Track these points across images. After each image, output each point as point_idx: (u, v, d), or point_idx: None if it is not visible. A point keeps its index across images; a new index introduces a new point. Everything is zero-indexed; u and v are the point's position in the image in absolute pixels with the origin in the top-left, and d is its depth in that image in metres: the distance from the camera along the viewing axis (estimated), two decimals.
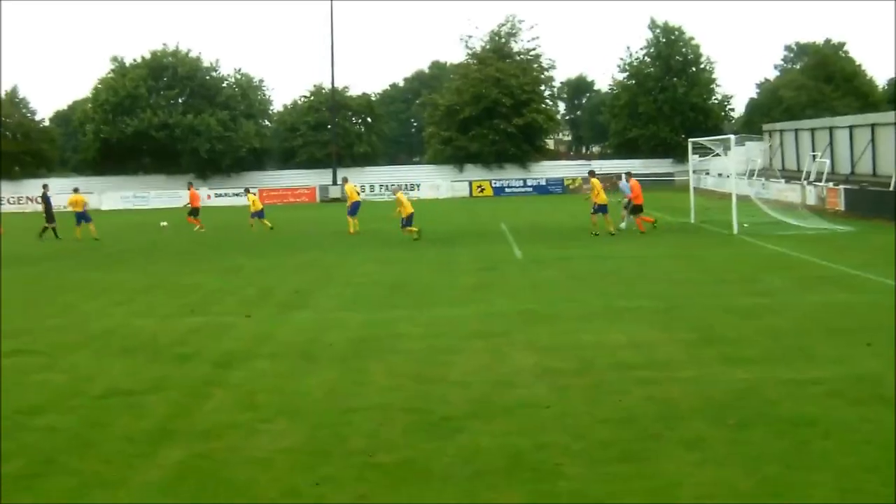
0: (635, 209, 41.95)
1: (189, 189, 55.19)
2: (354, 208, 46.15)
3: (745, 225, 39.66)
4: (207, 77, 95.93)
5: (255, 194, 53.76)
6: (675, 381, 14.30)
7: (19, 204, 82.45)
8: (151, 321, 21.48)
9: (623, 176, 45.30)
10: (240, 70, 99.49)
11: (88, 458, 11.25)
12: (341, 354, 17.11)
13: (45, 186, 51.35)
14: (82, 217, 47.18)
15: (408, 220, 40.82)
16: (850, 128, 63.38)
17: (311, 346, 17.96)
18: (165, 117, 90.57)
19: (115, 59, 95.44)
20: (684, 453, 10.79)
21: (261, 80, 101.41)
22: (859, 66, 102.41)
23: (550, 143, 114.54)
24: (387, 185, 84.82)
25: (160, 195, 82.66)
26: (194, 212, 51.80)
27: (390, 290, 25.53)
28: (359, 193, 48.82)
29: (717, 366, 15.21)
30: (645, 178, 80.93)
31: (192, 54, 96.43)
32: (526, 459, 10.77)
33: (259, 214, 50.62)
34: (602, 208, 40.36)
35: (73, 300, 25.29)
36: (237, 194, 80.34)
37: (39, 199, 50.42)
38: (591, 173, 44.01)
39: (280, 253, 36.74)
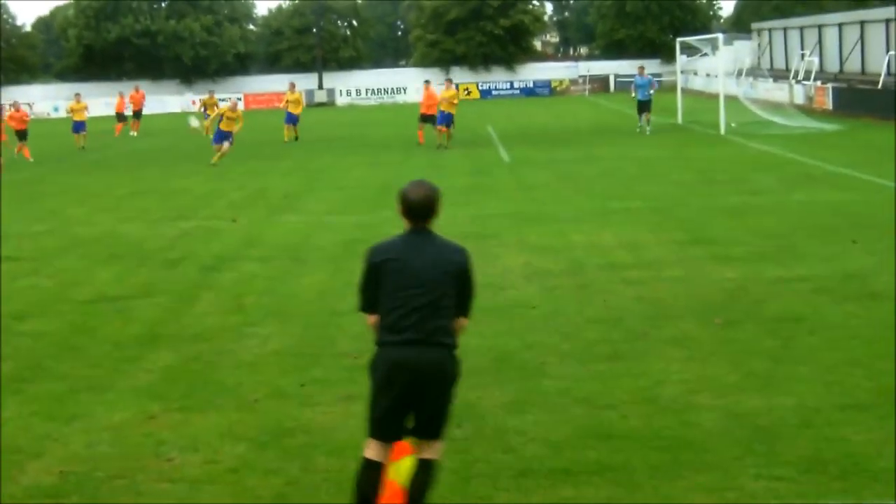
0: (424, 118, 39.35)
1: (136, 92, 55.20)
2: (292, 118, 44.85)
3: (733, 125, 39.51)
4: None
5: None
6: (663, 280, 14.33)
7: None
8: (139, 226, 21.43)
9: (638, 70, 43.59)
10: None
11: (76, 363, 11.26)
12: (331, 257, 17.10)
13: None
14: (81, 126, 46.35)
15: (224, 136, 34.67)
16: (840, 25, 62.89)
17: (301, 249, 17.95)
18: (148, 23, 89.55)
19: None
20: (671, 351, 10.84)
21: None
22: None
23: (537, 45, 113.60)
24: (373, 90, 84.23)
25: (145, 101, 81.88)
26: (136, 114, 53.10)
27: (380, 192, 25.43)
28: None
29: (706, 265, 15.24)
30: (632, 80, 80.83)
31: None
32: (513, 359, 10.81)
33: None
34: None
35: (60, 205, 25.20)
36: (222, 100, 79.66)
37: None
38: (449, 81, 42.11)
39: (269, 157, 36.54)
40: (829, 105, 49.02)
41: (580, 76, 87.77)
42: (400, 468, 6.43)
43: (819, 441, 8.19)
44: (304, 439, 8.71)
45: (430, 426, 6.55)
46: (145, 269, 16.65)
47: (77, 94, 49.94)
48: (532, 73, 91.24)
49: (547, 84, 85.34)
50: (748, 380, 9.79)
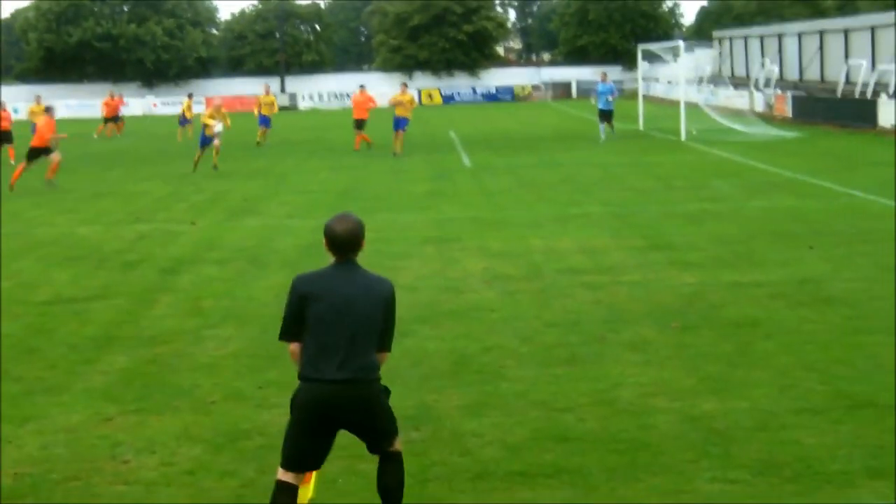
0: (357, 124, 39.27)
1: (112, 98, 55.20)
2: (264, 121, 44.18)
3: (693, 132, 39.74)
4: None
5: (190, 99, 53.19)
6: (622, 285, 14.39)
7: None
8: (97, 228, 21.30)
9: (601, 76, 42.70)
10: None
11: (32, 365, 11.17)
12: (290, 260, 17.05)
13: None
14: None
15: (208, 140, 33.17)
16: (799, 35, 63.41)
17: (260, 252, 17.91)
18: (109, 27, 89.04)
19: None
20: (628, 355, 10.89)
21: None
22: None
23: (500, 51, 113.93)
24: (335, 94, 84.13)
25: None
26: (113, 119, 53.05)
27: (342, 196, 25.48)
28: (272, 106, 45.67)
29: (664, 270, 15.32)
30: (595, 86, 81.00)
31: None
32: (472, 362, 10.82)
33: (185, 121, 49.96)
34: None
35: (19, 208, 24.96)
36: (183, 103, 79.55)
37: None
38: (404, 85, 41.21)
39: (231, 160, 36.37)
40: (789, 113, 49.41)
41: (543, 82, 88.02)
42: (309, 489, 6.69)
43: (773, 444, 8.24)
44: (260, 441, 8.68)
45: (378, 441, 6.60)
46: (103, 272, 16.55)
47: (37, 97, 49.52)
48: (495, 78, 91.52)
49: (510, 90, 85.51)
50: (704, 383, 9.85)
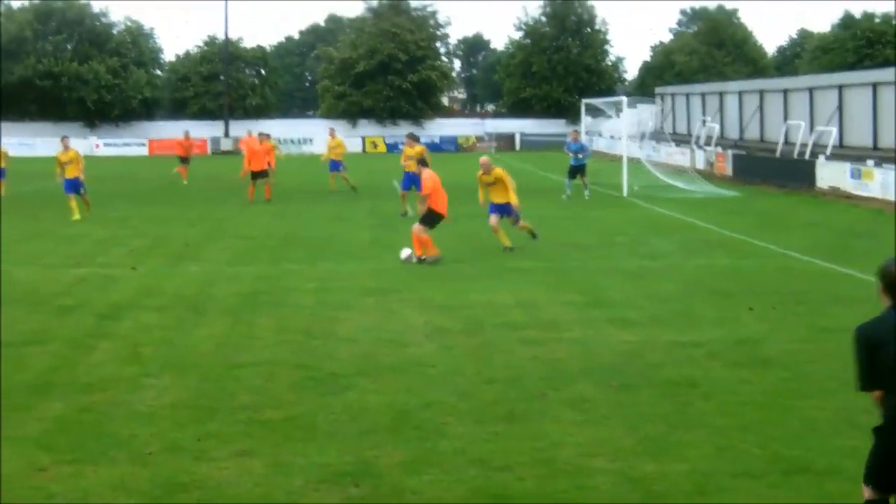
0: (254, 175, 37.79)
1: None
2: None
3: (635, 188, 40.08)
4: (97, 23, 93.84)
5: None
6: (561, 342, 14.45)
7: None
8: (34, 271, 21.06)
9: (572, 135, 40.54)
10: (130, 18, 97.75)
11: None
12: (230, 308, 16.99)
13: None
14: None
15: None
16: (740, 93, 64.37)
17: (200, 300, 17.81)
18: (52, 65, 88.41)
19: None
20: (568, 413, 10.93)
21: (152, 28, 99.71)
22: (750, 32, 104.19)
23: (445, 101, 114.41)
24: (280, 139, 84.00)
25: (46, 142, 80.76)
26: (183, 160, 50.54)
27: (283, 243, 25.42)
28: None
29: (604, 328, 15.40)
30: (538, 139, 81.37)
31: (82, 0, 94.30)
32: (411, 418, 10.82)
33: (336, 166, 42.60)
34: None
35: None
36: (126, 144, 79.10)
37: None
38: (411, 136, 36.17)
39: (172, 205, 36.22)
40: (729, 171, 49.94)
41: (486, 133, 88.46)
42: None
43: None
44: (198, 495, 8.62)
45: None
46: (39, 315, 16.37)
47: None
48: (439, 128, 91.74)
49: (453, 140, 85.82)
50: (643, 444, 9.91)
